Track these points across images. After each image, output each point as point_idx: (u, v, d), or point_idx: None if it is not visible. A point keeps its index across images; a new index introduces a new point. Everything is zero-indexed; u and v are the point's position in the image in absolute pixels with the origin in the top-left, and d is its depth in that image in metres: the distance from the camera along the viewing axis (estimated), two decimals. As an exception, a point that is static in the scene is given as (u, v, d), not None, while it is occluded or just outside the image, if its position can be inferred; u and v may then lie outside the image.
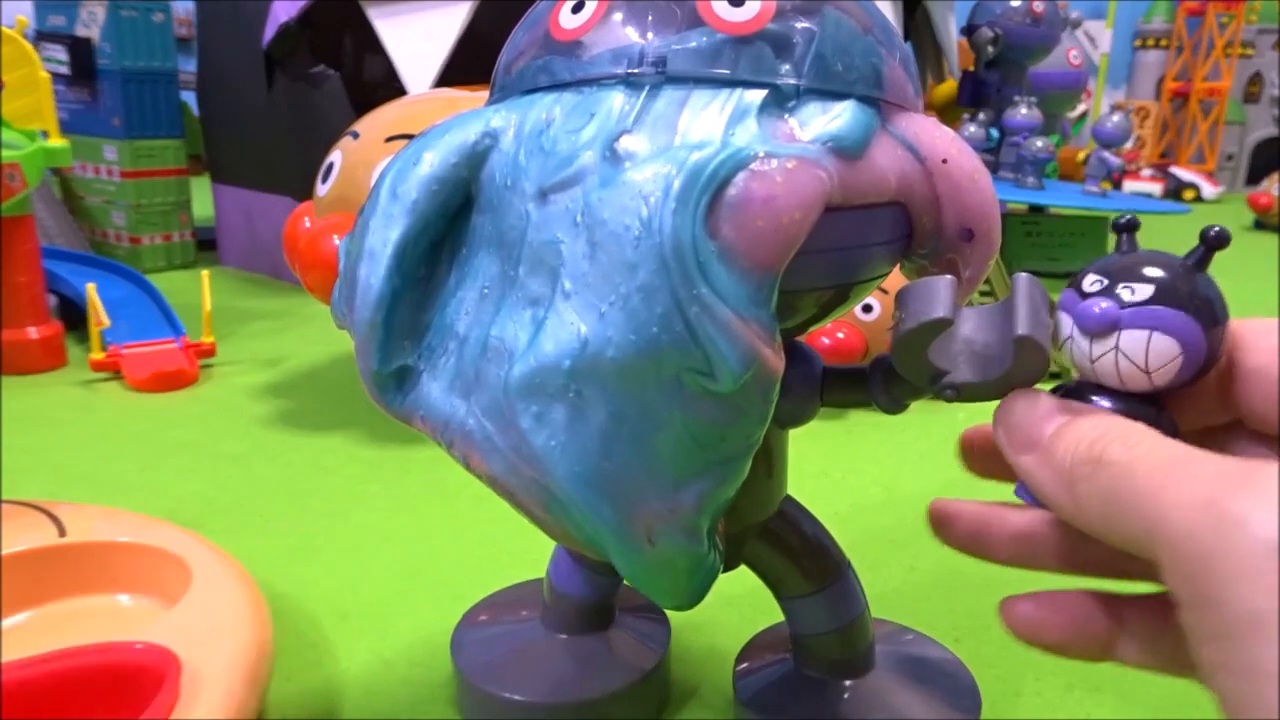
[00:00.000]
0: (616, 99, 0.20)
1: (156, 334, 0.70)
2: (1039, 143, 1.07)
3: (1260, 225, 1.64)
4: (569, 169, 0.20)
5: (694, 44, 0.21)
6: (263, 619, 0.30)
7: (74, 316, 0.75)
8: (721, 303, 0.18)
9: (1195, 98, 2.23)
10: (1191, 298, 0.19)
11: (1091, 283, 0.20)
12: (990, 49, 1.18)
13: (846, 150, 0.20)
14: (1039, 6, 1.16)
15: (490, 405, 0.21)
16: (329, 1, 0.84)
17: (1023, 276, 0.22)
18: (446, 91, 0.59)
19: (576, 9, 0.22)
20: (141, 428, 0.57)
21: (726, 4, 0.21)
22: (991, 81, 1.26)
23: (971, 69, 1.30)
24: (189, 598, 0.31)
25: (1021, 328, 0.21)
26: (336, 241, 0.54)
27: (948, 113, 1.47)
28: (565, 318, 0.19)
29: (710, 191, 0.18)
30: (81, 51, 0.97)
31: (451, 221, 0.22)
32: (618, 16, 0.21)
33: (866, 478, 0.50)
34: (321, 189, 0.57)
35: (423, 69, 0.83)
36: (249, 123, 0.99)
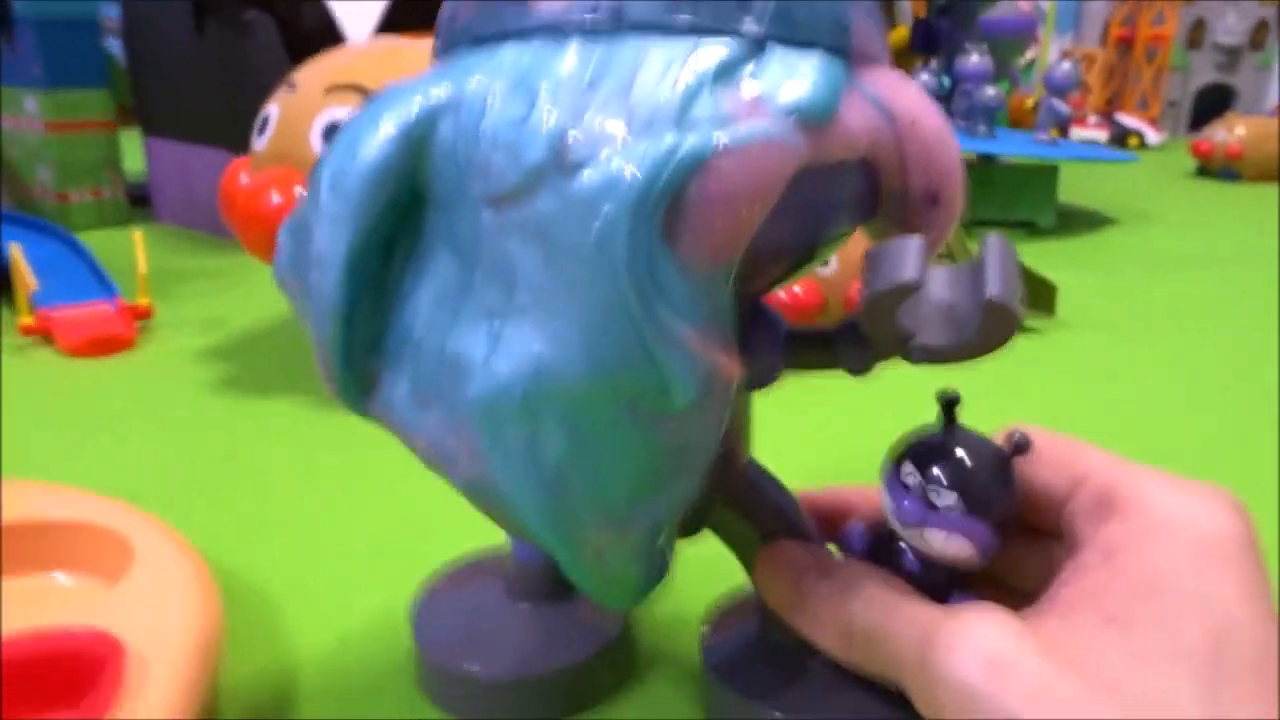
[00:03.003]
0: (568, 60, 0.19)
1: (88, 295, 0.67)
2: (990, 91, 1.06)
3: (1203, 172, 1.66)
4: (516, 178, 0.18)
5: None
6: (212, 598, 0.29)
7: (-2, 276, 0.72)
8: (678, 318, 0.18)
9: (1140, 44, 2.25)
10: (989, 506, 0.22)
11: (907, 473, 0.22)
12: (942, -5, 1.17)
13: (815, 119, 0.19)
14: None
15: (449, 420, 0.20)
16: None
17: (993, 238, 0.22)
18: (388, 39, 0.57)
19: None
20: (78, 396, 0.54)
21: None
22: (943, 28, 1.25)
23: (923, 15, 1.29)
24: (131, 577, 0.29)
25: (992, 291, 0.21)
26: (276, 198, 0.51)
27: (900, 58, 1.46)
28: (521, 334, 0.18)
29: (666, 200, 0.17)
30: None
31: (403, 216, 0.21)
32: None
33: (816, 442, 0.50)
34: (258, 142, 0.54)
35: (362, 15, 0.80)
36: (179, 72, 0.94)
